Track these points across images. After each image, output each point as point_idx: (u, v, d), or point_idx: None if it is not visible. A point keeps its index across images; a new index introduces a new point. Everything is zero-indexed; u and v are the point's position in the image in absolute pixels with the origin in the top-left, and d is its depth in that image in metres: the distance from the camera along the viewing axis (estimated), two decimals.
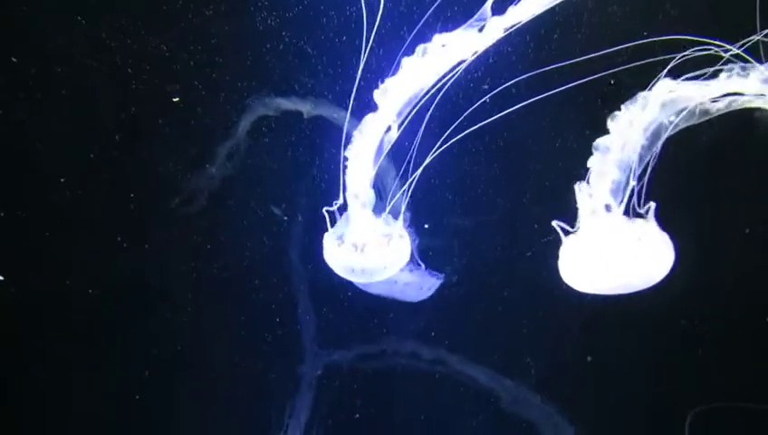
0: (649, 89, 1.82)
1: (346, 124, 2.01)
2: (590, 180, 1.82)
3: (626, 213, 1.83)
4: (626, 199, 1.82)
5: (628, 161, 1.81)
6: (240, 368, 2.56)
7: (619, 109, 1.83)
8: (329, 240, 2.05)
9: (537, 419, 2.50)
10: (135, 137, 2.29)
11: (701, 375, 2.37)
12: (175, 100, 2.23)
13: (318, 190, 2.25)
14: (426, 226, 2.28)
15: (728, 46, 1.79)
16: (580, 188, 1.84)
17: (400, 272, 2.18)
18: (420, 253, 2.27)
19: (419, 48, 1.90)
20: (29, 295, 2.44)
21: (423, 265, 2.29)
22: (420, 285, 2.33)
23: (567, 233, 1.86)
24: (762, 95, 1.77)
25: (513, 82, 2.00)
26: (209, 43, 2.17)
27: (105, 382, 2.54)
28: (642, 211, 1.82)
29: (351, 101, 2.00)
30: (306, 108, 2.22)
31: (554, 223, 1.86)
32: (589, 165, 1.83)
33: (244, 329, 2.52)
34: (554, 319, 2.36)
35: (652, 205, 1.81)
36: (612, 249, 1.81)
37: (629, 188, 1.82)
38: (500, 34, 1.86)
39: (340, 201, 2.00)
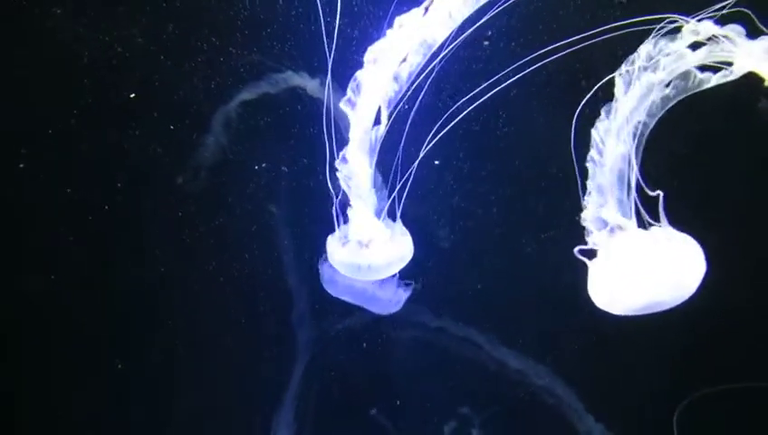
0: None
1: (326, 99, 1.95)
2: (591, 199, 1.71)
3: (640, 224, 1.71)
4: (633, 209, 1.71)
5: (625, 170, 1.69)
6: (236, 334, 2.54)
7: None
8: (332, 243, 2.04)
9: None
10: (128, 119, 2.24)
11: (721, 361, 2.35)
12: (132, 96, 2.19)
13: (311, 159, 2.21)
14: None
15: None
16: (586, 204, 1.72)
17: (371, 283, 2.21)
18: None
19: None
20: (21, 289, 2.41)
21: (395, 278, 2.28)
22: (389, 298, 2.32)
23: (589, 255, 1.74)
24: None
25: (510, 70, 1.89)
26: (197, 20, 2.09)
27: (100, 371, 2.53)
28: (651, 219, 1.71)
29: (329, 76, 1.92)
30: (309, 84, 2.15)
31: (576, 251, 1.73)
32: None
33: (239, 297, 2.49)
34: (560, 312, 2.32)
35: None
36: (644, 265, 1.67)
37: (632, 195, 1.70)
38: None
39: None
